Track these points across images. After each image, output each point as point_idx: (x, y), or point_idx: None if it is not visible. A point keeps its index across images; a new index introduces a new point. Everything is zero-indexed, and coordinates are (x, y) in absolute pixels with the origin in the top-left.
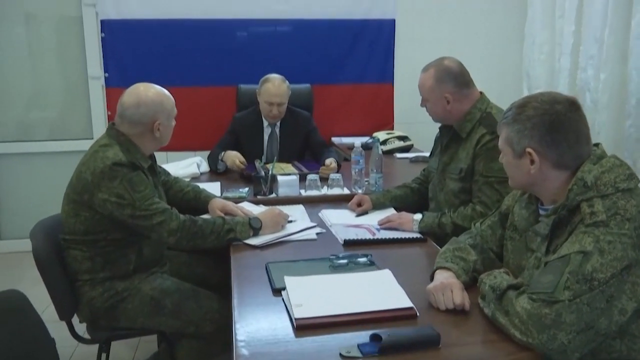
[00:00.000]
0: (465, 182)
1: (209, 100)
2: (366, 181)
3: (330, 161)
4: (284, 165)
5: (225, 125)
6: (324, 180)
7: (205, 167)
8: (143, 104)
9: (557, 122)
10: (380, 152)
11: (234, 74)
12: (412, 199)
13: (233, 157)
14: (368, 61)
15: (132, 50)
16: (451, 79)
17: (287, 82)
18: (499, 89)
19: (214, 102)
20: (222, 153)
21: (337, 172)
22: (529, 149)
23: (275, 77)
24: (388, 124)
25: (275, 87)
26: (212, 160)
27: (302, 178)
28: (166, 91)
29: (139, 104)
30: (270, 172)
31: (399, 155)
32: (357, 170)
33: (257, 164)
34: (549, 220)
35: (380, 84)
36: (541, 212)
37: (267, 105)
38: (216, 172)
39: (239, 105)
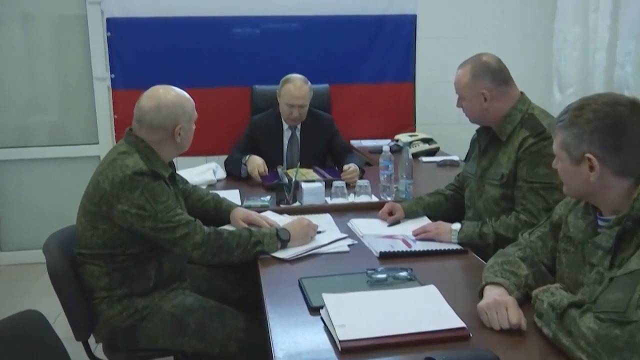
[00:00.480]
0: (506, 188)
1: (222, 102)
2: (395, 188)
3: (349, 165)
4: (305, 171)
5: (239, 128)
6: (350, 187)
7: (221, 174)
8: (164, 107)
9: (620, 125)
10: (410, 156)
11: (248, 74)
12: (446, 207)
13: (254, 166)
14: (388, 59)
15: (139, 50)
16: (489, 75)
17: (309, 83)
18: (527, 87)
19: (227, 104)
20: (246, 157)
21: (361, 178)
22: (588, 155)
23: (296, 77)
24: (409, 126)
25: (296, 88)
26: (233, 165)
27: (327, 185)
28: (186, 93)
29: (160, 107)
30: (294, 179)
31: (424, 159)
32: (385, 176)
33: (280, 169)
34: (612, 232)
35: (400, 83)
36: (600, 222)
37: (287, 107)
38: (239, 177)
39: (254, 107)
